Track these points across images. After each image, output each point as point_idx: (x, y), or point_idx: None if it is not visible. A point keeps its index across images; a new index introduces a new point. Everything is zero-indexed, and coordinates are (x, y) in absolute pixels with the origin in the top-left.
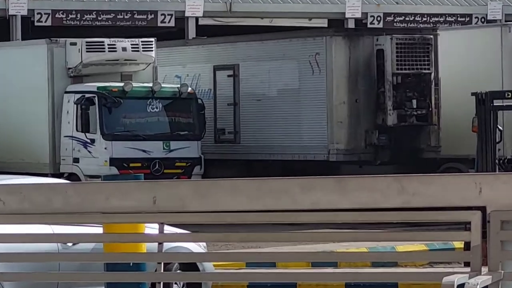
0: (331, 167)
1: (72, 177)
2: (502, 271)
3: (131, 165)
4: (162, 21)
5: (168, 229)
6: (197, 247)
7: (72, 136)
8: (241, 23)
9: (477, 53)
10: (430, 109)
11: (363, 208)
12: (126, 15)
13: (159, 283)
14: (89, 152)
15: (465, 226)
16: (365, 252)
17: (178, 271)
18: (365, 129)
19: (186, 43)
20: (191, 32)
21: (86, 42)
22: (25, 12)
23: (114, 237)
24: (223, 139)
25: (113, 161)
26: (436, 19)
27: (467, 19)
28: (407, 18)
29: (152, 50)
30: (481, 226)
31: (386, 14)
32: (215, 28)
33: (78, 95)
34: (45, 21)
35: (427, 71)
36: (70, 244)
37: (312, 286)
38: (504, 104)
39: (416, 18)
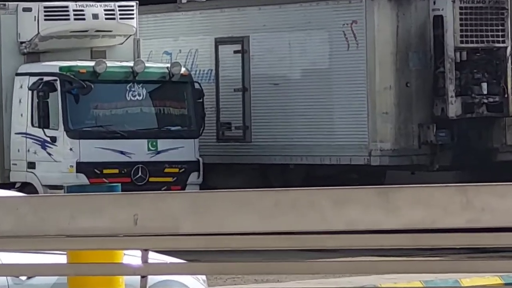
0: (373, 173)
1: (27, 188)
2: None
3: (105, 171)
4: None
5: (154, 257)
6: (194, 282)
7: (26, 133)
8: None
9: None
10: (506, 95)
11: (416, 229)
12: None
13: None
14: (49, 154)
15: None
16: (420, 287)
17: None
18: (419, 122)
19: (178, 8)
20: None
21: (45, 7)
22: None
23: (82, 269)
24: (229, 136)
25: (81, 166)
26: None
27: None
28: None
29: (133, 18)
30: None
31: None
32: None
33: (34, 78)
34: None
35: (501, 45)
36: (23, 278)
37: None
38: None
39: None
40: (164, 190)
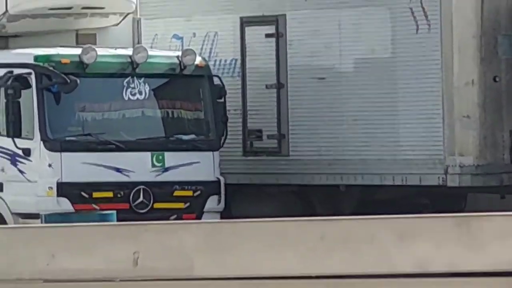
0: (450, 197)
1: None
2: None
3: (95, 195)
4: None
5: None
6: None
7: None
8: None
9: None
10: None
11: (508, 271)
12: None
13: None
14: (21, 172)
15: None
16: None
17: None
18: (511, 129)
19: None
20: None
21: None
22: None
23: None
24: (259, 148)
25: (63, 188)
26: None
27: None
28: None
29: None
30: None
31: None
32: None
33: (1, 72)
34: None
35: None
36: None
37: None
38: None
39: None
40: (174, 219)
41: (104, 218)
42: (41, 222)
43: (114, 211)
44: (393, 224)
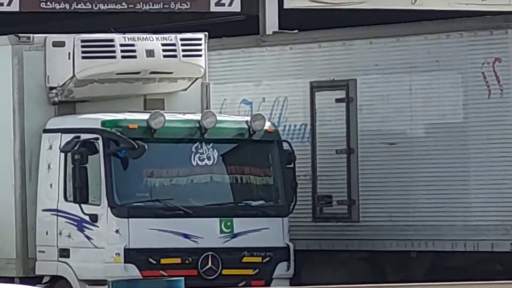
0: None
1: (58, 283)
2: None
3: (163, 261)
4: (218, 3)
5: None
6: None
7: (57, 210)
8: (357, 6)
9: None
10: None
11: None
12: None
13: None
14: (88, 238)
15: None
16: None
17: None
18: None
19: (261, 41)
20: (271, 22)
21: (82, 40)
22: None
23: None
24: (329, 214)
25: (130, 255)
26: None
27: None
28: None
29: (200, 56)
30: None
31: None
32: (311, 15)
33: (68, 137)
34: (9, 4)
35: None
36: None
37: None
38: None
39: None
40: (243, 286)
41: (172, 285)
42: None
43: (182, 278)
44: None
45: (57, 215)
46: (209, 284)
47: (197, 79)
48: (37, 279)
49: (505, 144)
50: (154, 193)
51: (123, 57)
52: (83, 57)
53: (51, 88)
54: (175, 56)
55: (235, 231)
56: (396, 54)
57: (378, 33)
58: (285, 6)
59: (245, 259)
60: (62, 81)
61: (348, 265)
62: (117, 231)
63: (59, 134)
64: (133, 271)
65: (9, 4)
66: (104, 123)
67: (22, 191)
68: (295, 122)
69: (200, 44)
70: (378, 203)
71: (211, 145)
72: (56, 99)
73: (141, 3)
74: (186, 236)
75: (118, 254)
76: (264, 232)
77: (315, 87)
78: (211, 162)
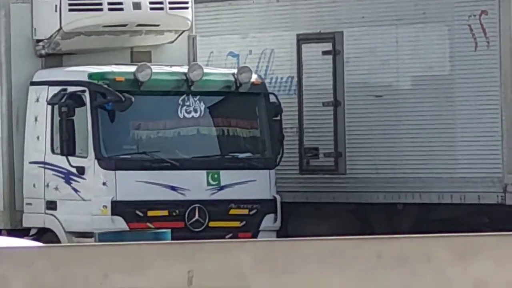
0: (509, 216)
1: (45, 235)
2: None
3: (150, 213)
4: None
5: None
6: None
7: (44, 163)
8: None
9: None
10: None
11: None
12: None
13: None
14: (75, 190)
15: None
16: None
17: None
18: None
19: None
20: None
21: None
22: None
23: None
24: (316, 166)
25: (117, 207)
26: None
27: None
28: None
29: (187, 8)
30: None
31: None
32: None
33: (55, 89)
34: None
35: None
36: None
37: None
38: None
39: None
40: (229, 238)
41: (158, 237)
42: (95, 241)
43: (169, 230)
44: (450, 243)
45: (44, 168)
46: (196, 236)
47: (183, 31)
48: (25, 231)
49: (491, 97)
50: (141, 146)
51: (110, 9)
52: (70, 10)
53: (38, 41)
54: (161, 8)
55: (222, 184)
56: (383, 7)
57: None
58: None
59: (232, 211)
60: (49, 34)
61: (335, 217)
62: (104, 184)
63: (46, 86)
64: (120, 224)
65: None
66: (91, 75)
67: (9, 144)
68: (282, 75)
69: None
70: (365, 156)
71: (198, 97)
72: (43, 51)
73: None
74: (173, 188)
75: (105, 206)
76: (251, 184)
77: (301, 40)
78: (198, 114)
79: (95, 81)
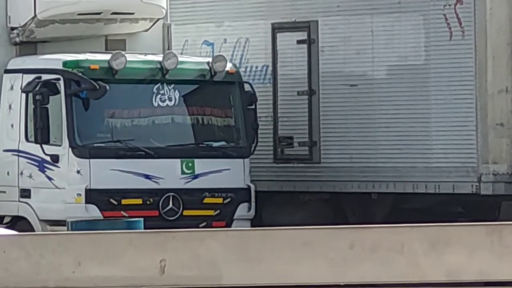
0: (483, 206)
1: (19, 223)
2: None
3: (124, 202)
4: None
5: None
6: None
7: (18, 151)
8: None
9: None
10: None
11: None
12: None
13: None
14: (49, 178)
15: None
16: None
17: None
18: None
19: None
20: None
21: None
22: None
23: None
24: (290, 155)
25: (91, 195)
26: None
27: None
28: None
29: None
30: None
31: None
32: None
33: (29, 77)
34: None
35: None
36: None
37: None
38: None
39: None
40: (203, 227)
41: (131, 226)
42: (68, 229)
43: (141, 219)
44: (424, 233)
45: (18, 156)
46: (170, 225)
47: (158, 19)
48: None
49: (466, 86)
50: (116, 134)
51: None
52: None
53: (12, 28)
54: None
55: (196, 172)
56: None
57: None
58: None
59: (206, 200)
60: (23, 21)
61: (309, 206)
62: (78, 172)
63: (21, 74)
64: (94, 212)
65: None
66: (65, 63)
67: None
68: (257, 64)
69: None
70: (339, 145)
71: (172, 86)
72: (17, 39)
73: None
74: (147, 177)
75: (79, 194)
76: (225, 173)
77: (276, 28)
78: (172, 103)
79: (70, 69)
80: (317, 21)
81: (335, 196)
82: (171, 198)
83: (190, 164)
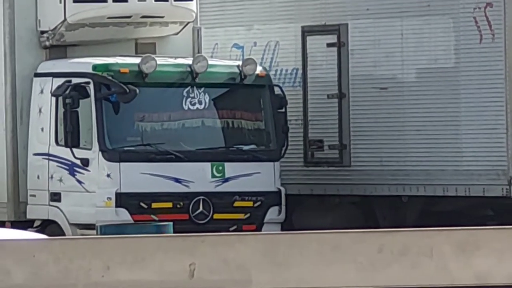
0: None
1: (49, 227)
2: None
3: (154, 205)
4: None
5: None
6: None
7: (48, 155)
8: None
9: None
10: None
11: None
12: None
13: None
14: (79, 182)
15: None
16: None
17: None
18: None
19: None
20: None
21: None
22: None
23: None
24: (320, 158)
25: (121, 199)
26: None
27: None
28: None
29: (192, 0)
30: None
31: None
32: None
33: (59, 81)
34: None
35: None
36: None
37: None
38: None
39: None
40: (233, 231)
41: (160, 230)
42: (97, 233)
43: (171, 223)
44: (453, 236)
45: (48, 159)
46: (200, 229)
47: (188, 23)
48: (28, 223)
49: (496, 89)
50: (146, 137)
51: (114, 0)
52: (74, 1)
53: (42, 32)
54: (166, 0)
55: (227, 176)
56: None
57: None
58: None
59: (236, 204)
60: (53, 25)
61: (339, 209)
62: (108, 175)
63: (50, 78)
64: (124, 215)
65: None
66: (95, 67)
67: (13, 135)
68: (287, 67)
69: None
70: (369, 148)
71: (202, 89)
72: (47, 43)
73: None
74: (177, 180)
75: (109, 198)
76: (256, 176)
77: (306, 32)
78: (202, 106)
79: (100, 73)
80: (347, 24)
81: (365, 199)
82: (201, 201)
83: (220, 168)
